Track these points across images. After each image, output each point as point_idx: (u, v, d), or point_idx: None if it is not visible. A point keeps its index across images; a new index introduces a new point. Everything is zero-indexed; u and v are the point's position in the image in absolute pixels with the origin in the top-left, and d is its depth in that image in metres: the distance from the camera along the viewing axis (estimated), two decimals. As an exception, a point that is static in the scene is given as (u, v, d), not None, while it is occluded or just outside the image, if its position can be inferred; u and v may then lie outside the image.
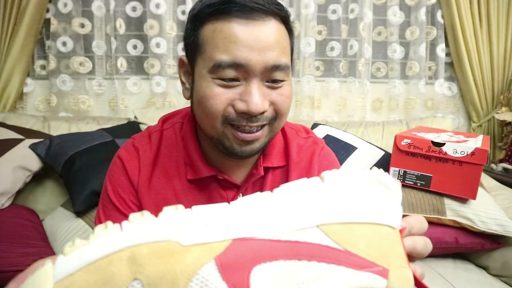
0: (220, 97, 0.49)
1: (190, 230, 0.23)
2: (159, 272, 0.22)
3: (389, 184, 0.28)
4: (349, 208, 0.26)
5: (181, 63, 0.57)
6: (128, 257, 0.22)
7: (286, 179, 0.62)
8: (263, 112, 0.50)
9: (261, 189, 0.61)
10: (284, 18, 0.51)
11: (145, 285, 0.21)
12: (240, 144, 0.51)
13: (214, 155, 0.59)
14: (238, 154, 0.52)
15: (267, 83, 0.50)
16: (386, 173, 0.29)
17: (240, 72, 0.48)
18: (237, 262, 0.23)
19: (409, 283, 0.26)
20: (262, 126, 0.51)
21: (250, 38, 0.47)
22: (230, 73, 0.48)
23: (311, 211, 0.26)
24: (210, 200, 0.60)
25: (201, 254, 0.23)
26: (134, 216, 0.23)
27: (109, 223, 0.23)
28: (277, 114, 0.52)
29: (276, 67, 0.49)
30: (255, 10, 0.47)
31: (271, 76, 0.49)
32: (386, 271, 0.25)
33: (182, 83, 0.57)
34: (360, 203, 0.27)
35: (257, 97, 0.48)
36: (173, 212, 0.24)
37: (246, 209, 0.25)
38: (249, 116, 0.49)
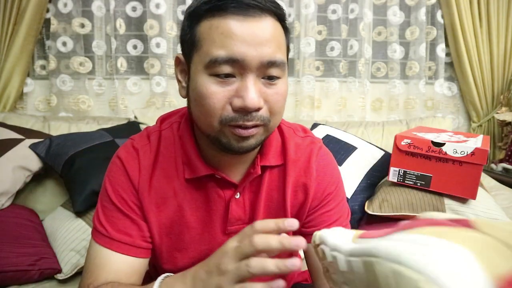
0: (217, 95, 0.49)
1: None
2: None
3: None
4: None
5: (177, 61, 0.57)
6: None
7: (283, 178, 0.62)
8: (258, 109, 0.50)
9: (259, 188, 0.61)
10: (280, 16, 0.52)
11: None
12: (238, 140, 0.51)
13: (212, 154, 0.58)
14: (235, 149, 0.52)
15: (262, 80, 0.50)
16: None
17: (236, 67, 0.48)
18: None
19: None
20: (257, 126, 0.51)
21: (247, 33, 0.47)
22: (226, 68, 0.48)
23: None
24: (207, 199, 0.60)
25: None
26: None
27: None
28: (271, 113, 0.52)
29: (272, 63, 0.49)
30: (251, 7, 0.48)
31: (267, 72, 0.50)
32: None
33: (179, 81, 0.58)
34: None
35: (253, 92, 0.48)
36: None
37: None
38: (245, 112, 0.49)
